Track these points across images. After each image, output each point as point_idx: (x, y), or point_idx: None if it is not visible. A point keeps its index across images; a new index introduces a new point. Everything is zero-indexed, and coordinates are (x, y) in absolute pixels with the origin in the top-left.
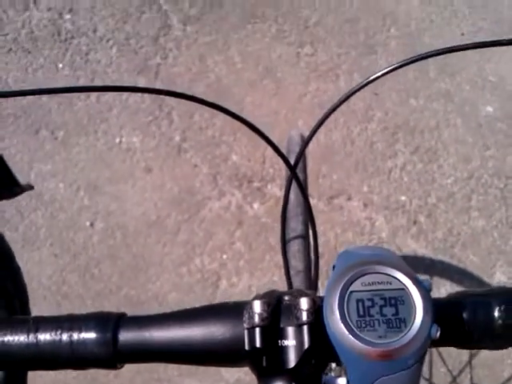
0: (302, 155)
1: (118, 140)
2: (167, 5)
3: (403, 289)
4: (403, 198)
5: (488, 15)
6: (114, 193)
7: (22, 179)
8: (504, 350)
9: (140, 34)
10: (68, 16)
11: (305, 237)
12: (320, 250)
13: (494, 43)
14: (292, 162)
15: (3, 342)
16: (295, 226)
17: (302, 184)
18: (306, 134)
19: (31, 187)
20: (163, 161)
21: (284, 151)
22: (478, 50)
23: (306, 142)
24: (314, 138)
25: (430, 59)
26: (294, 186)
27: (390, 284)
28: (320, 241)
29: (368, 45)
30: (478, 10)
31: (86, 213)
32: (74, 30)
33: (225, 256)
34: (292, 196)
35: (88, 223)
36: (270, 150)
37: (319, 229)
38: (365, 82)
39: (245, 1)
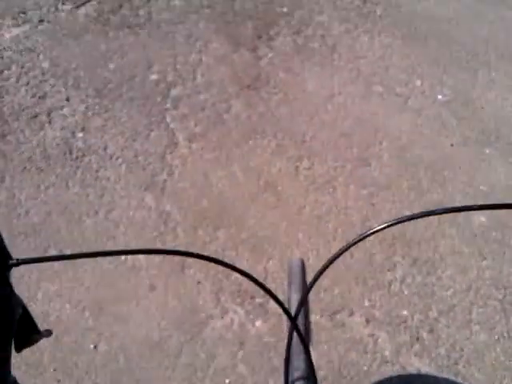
0: (302, 306)
1: (123, 257)
2: (174, 123)
3: None
4: (405, 312)
5: (475, 126)
6: (118, 313)
7: (27, 300)
8: None
9: (148, 152)
10: (80, 134)
11: (308, 377)
12: (324, 372)
13: (490, 206)
14: (292, 309)
15: None
16: (298, 364)
17: (302, 334)
18: (305, 258)
19: (50, 333)
20: (167, 278)
21: (286, 275)
22: (469, 160)
23: (306, 292)
24: (314, 251)
25: (422, 167)
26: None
27: None
28: (323, 362)
29: (362, 158)
30: (464, 122)
31: (90, 334)
32: (85, 148)
33: (227, 380)
34: (294, 333)
35: (92, 346)
36: (271, 264)
37: (323, 348)
38: (362, 236)
39: (246, 118)
